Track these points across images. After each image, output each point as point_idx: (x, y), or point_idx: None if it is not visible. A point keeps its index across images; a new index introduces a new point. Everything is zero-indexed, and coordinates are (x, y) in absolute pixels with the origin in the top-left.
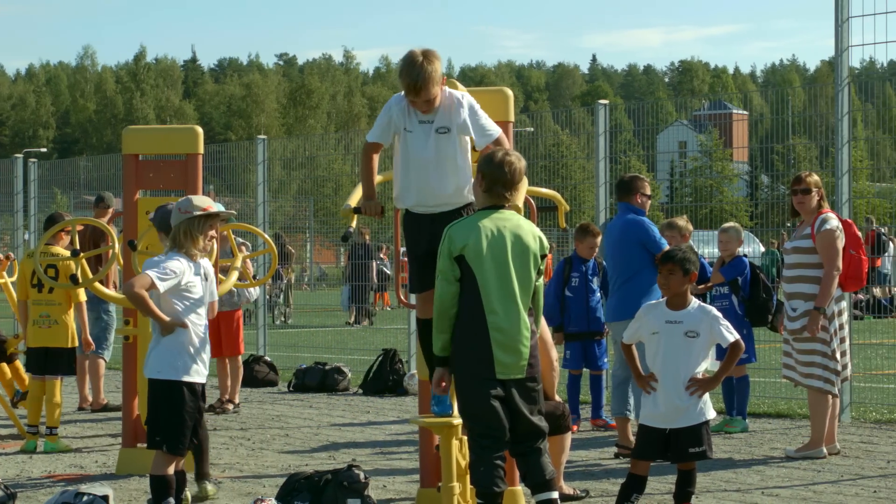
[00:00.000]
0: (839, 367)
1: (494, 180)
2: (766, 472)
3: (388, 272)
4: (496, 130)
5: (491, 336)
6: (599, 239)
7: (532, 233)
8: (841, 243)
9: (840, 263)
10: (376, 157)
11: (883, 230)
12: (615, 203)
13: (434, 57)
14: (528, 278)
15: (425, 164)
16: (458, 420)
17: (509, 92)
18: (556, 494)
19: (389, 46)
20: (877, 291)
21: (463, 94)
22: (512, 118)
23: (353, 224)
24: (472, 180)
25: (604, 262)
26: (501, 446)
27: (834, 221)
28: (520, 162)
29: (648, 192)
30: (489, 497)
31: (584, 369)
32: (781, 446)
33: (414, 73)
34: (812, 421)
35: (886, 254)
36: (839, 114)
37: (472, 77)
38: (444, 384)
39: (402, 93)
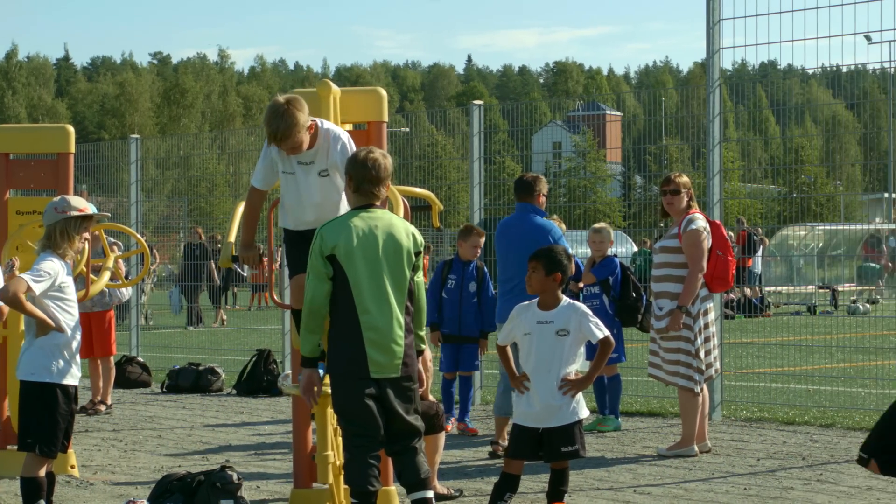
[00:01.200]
0: (702, 366)
1: (362, 179)
2: (638, 470)
3: (243, 273)
4: None
5: (364, 335)
6: (483, 239)
7: (406, 230)
8: (707, 244)
9: (704, 263)
10: (261, 203)
11: (758, 230)
12: (515, 202)
13: (298, 106)
14: (401, 276)
15: (312, 205)
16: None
17: (383, 92)
18: (431, 493)
19: (264, 45)
20: (748, 291)
21: (339, 132)
22: (386, 118)
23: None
24: None
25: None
26: (376, 446)
27: (700, 222)
28: (385, 158)
29: (546, 192)
30: (364, 496)
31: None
32: (653, 445)
33: (275, 123)
34: (683, 420)
35: (757, 254)
36: (711, 115)
37: (348, 77)
38: (315, 388)
39: None
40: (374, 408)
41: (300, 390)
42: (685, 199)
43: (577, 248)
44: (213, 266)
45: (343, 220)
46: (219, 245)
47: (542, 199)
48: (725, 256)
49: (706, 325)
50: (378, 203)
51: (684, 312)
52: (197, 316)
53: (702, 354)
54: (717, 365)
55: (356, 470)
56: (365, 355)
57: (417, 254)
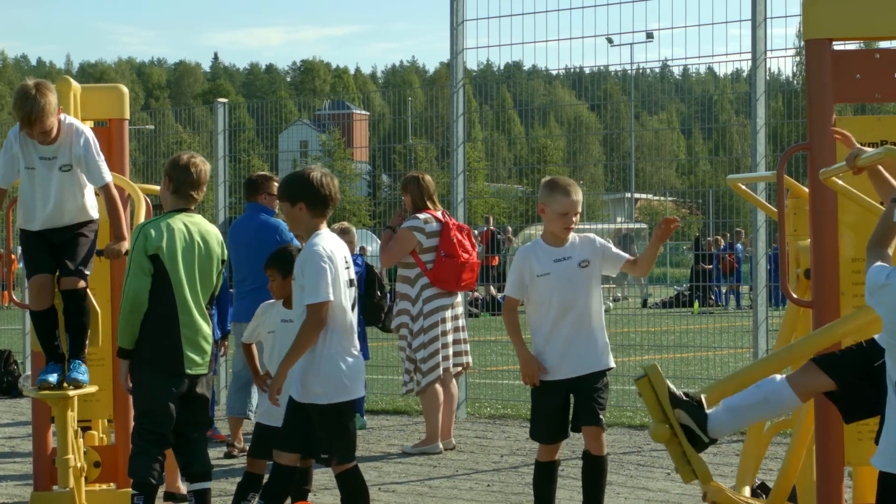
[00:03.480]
0: (423, 366)
1: (182, 182)
2: (383, 468)
3: None
4: (107, 177)
5: (182, 333)
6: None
7: (217, 238)
8: (411, 244)
9: (396, 259)
10: (1, 201)
11: (507, 230)
12: (244, 202)
13: (47, 89)
14: (210, 281)
15: (50, 200)
16: (73, 392)
17: (124, 89)
18: (209, 486)
19: (5, 41)
20: (492, 290)
21: (83, 128)
22: (128, 115)
23: None
24: (93, 198)
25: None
26: (165, 444)
27: (414, 221)
28: (204, 164)
29: (276, 191)
30: (147, 487)
31: None
32: (399, 442)
33: (27, 106)
34: (426, 417)
35: (503, 252)
36: (455, 115)
37: (92, 74)
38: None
39: (19, 126)
40: (174, 409)
41: (122, 380)
42: (411, 199)
43: None
44: None
45: (166, 222)
46: None
47: (269, 199)
48: (451, 257)
49: (434, 325)
50: (193, 207)
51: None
52: None
53: (419, 354)
54: (466, 360)
55: (143, 463)
56: (182, 352)
57: (223, 262)
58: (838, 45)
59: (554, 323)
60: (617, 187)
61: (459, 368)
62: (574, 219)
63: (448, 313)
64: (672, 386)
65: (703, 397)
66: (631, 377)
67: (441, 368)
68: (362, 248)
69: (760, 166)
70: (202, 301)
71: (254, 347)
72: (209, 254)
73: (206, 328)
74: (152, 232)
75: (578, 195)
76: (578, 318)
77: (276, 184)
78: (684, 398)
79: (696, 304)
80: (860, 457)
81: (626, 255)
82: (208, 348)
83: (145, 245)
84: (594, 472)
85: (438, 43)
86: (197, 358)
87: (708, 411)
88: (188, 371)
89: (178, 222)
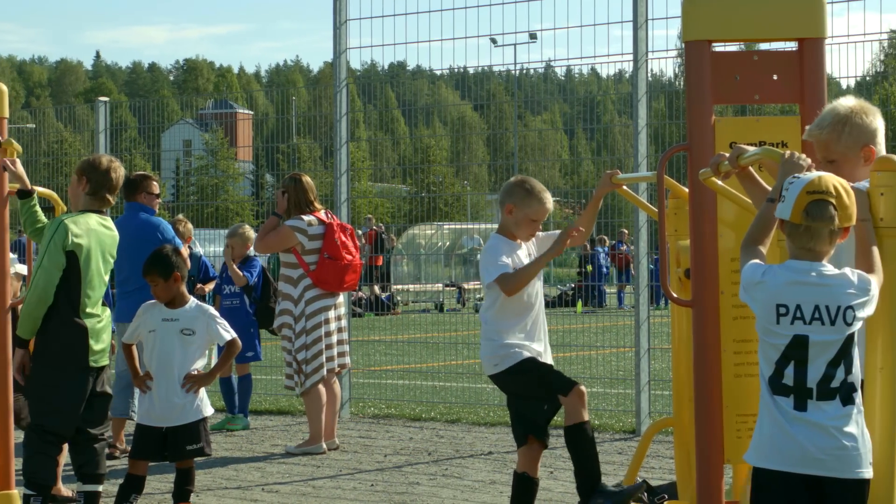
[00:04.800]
0: (306, 367)
1: (101, 185)
2: (266, 468)
3: None
4: None
5: (89, 327)
6: None
7: (116, 240)
8: (289, 242)
9: (271, 250)
10: None
11: (382, 228)
12: (123, 202)
13: None
14: (105, 280)
15: None
16: None
17: (4, 87)
18: (101, 489)
19: None
20: (376, 290)
21: None
22: (6, 114)
23: None
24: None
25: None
26: (62, 444)
27: (297, 222)
28: (122, 169)
29: (156, 190)
30: (45, 489)
31: None
32: (282, 443)
33: None
34: (309, 418)
35: (386, 252)
36: (338, 114)
37: None
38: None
39: None
40: (80, 408)
41: (15, 369)
42: (292, 199)
43: (209, 247)
44: None
45: (84, 220)
46: None
47: (149, 198)
48: (334, 259)
49: (317, 325)
50: (105, 210)
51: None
52: None
53: (301, 354)
54: (346, 360)
55: (42, 464)
56: (87, 346)
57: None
58: (719, 47)
59: (533, 318)
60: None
61: (338, 368)
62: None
63: (331, 314)
64: None
65: None
66: None
67: (325, 369)
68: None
69: (642, 167)
70: (101, 298)
71: (134, 348)
72: (111, 255)
73: (109, 322)
74: (73, 228)
75: (552, 202)
76: (540, 310)
77: (155, 183)
78: None
79: (580, 303)
80: (739, 454)
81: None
82: (108, 339)
83: (64, 240)
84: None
85: (323, 42)
86: (99, 349)
87: None
88: (92, 364)
89: (94, 222)
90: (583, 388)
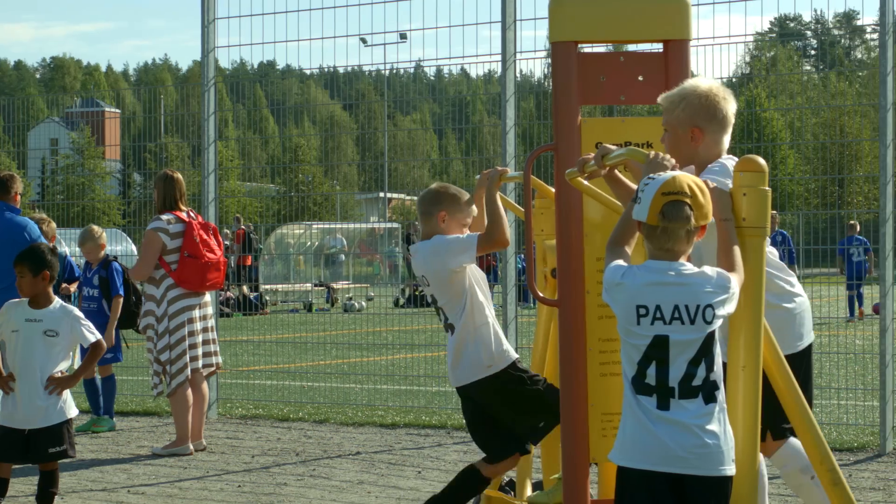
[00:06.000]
0: (170, 367)
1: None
2: (132, 470)
3: None
4: None
5: None
6: None
7: None
8: (159, 245)
9: (150, 265)
10: None
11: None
12: None
13: None
14: None
15: None
16: None
17: None
18: None
19: None
20: (245, 289)
21: None
22: None
23: None
24: None
25: None
26: None
27: (157, 223)
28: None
29: (21, 189)
30: None
31: None
32: (149, 444)
33: None
34: (175, 419)
35: (255, 251)
36: (206, 113)
37: None
38: None
39: None
40: None
41: None
42: (160, 195)
43: (76, 247)
44: None
45: None
46: None
47: (18, 198)
48: (195, 258)
49: (181, 325)
50: None
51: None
52: None
53: (164, 355)
54: (215, 360)
55: None
56: None
57: None
58: (587, 48)
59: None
60: (370, 187)
61: (212, 369)
62: None
63: (196, 313)
64: None
65: None
66: (384, 375)
67: (189, 370)
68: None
69: (511, 166)
70: None
71: None
72: None
73: None
74: None
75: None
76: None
77: (20, 183)
78: None
79: None
80: (604, 453)
81: None
82: None
83: None
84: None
85: (192, 41)
86: None
87: None
88: None
89: None
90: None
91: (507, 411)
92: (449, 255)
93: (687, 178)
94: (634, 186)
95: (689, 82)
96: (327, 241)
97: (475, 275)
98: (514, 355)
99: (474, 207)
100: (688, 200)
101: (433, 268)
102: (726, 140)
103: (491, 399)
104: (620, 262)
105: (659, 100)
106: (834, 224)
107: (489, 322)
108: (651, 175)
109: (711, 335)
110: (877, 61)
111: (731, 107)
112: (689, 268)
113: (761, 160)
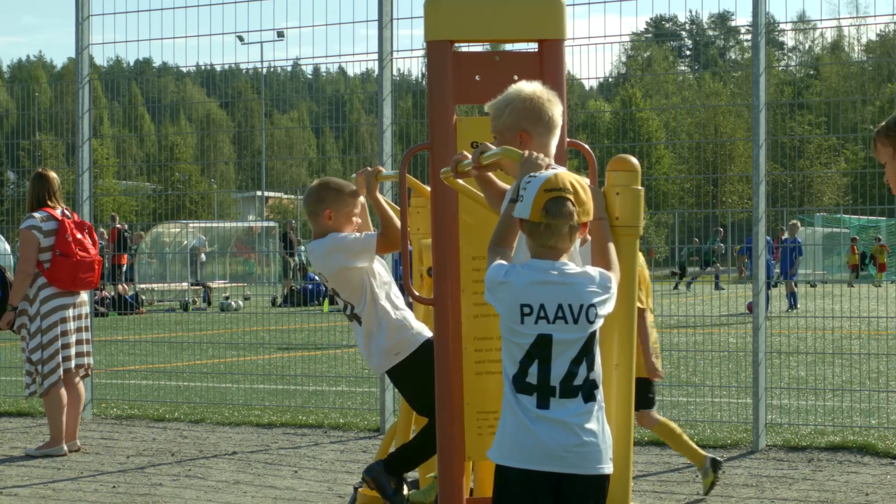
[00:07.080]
0: (43, 367)
1: None
2: (5, 471)
3: None
4: None
5: None
6: None
7: None
8: (35, 243)
9: (32, 262)
10: None
11: (126, 227)
12: None
13: None
14: None
15: None
16: None
17: None
18: None
19: None
20: (121, 289)
21: None
22: None
23: None
24: None
25: None
26: None
27: (31, 221)
28: None
29: None
30: None
31: None
32: (22, 445)
33: None
34: (49, 419)
35: (130, 251)
36: (81, 111)
37: None
38: None
39: None
40: None
41: None
42: (32, 194)
43: None
44: None
45: None
46: None
47: None
48: (67, 256)
49: (53, 325)
50: None
51: (15, 312)
52: None
53: (38, 355)
54: (87, 361)
55: None
56: None
57: None
58: (463, 47)
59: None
60: (248, 185)
61: (83, 371)
62: None
63: (69, 313)
64: None
65: None
66: (261, 374)
67: (62, 369)
68: None
69: (388, 165)
70: None
71: None
72: None
73: None
74: None
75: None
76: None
77: None
78: None
79: (326, 302)
80: (481, 451)
81: None
82: None
83: None
84: None
85: (66, 38)
86: None
87: None
88: None
89: None
90: None
91: (420, 395)
92: (346, 256)
93: (569, 175)
94: (506, 187)
95: (514, 87)
96: (195, 240)
97: (373, 263)
98: (425, 336)
99: (361, 197)
100: (570, 197)
101: (331, 265)
102: (554, 143)
103: (403, 386)
104: (502, 261)
105: (486, 107)
106: (708, 223)
107: (389, 309)
108: (532, 174)
109: (593, 335)
110: (750, 62)
111: (556, 109)
112: (572, 267)
113: (634, 159)
